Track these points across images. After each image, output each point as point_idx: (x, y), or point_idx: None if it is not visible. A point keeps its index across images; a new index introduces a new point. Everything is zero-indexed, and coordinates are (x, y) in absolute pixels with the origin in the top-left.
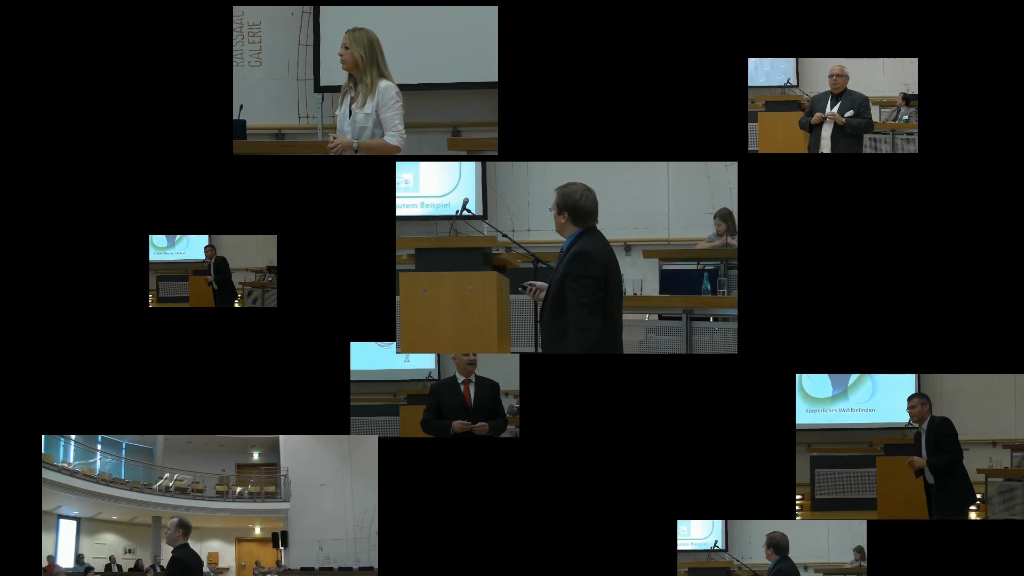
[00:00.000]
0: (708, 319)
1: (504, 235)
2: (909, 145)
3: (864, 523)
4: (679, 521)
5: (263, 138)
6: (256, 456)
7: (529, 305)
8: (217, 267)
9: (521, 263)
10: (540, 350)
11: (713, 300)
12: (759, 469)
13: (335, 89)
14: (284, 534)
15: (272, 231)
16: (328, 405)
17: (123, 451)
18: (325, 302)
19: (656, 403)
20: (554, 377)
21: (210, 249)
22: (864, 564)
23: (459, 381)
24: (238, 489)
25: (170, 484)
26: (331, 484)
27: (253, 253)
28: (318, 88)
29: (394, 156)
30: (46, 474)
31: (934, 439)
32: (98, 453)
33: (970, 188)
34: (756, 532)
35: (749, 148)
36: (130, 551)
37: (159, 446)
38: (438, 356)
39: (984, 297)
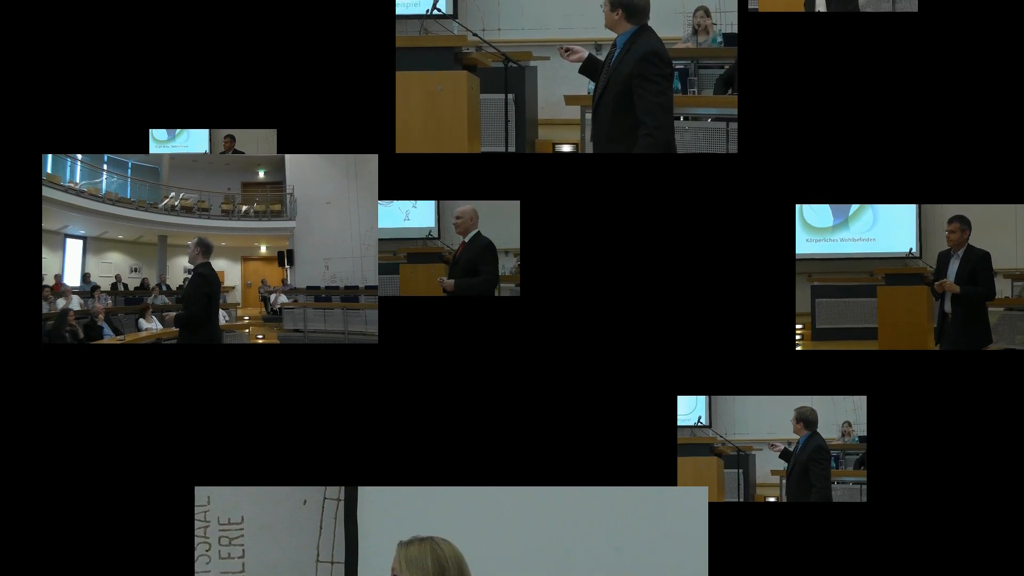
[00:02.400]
0: (679, 118)
1: (474, 34)
2: (909, 4)
3: (848, 399)
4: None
5: None
6: (262, 174)
7: (500, 105)
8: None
9: (491, 63)
10: (586, 146)
11: (685, 99)
12: (759, 299)
13: None
14: (290, 252)
15: (271, 100)
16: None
17: (129, 170)
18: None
19: (653, 217)
20: (554, 217)
21: (229, 140)
22: (850, 439)
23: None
24: (244, 208)
25: (176, 203)
26: (336, 202)
27: (253, 145)
28: None
29: None
30: (53, 194)
31: (970, 269)
32: (104, 172)
33: (970, 47)
34: (740, 408)
35: (749, 7)
36: (136, 270)
37: (165, 165)
38: (438, 216)
39: (985, 127)
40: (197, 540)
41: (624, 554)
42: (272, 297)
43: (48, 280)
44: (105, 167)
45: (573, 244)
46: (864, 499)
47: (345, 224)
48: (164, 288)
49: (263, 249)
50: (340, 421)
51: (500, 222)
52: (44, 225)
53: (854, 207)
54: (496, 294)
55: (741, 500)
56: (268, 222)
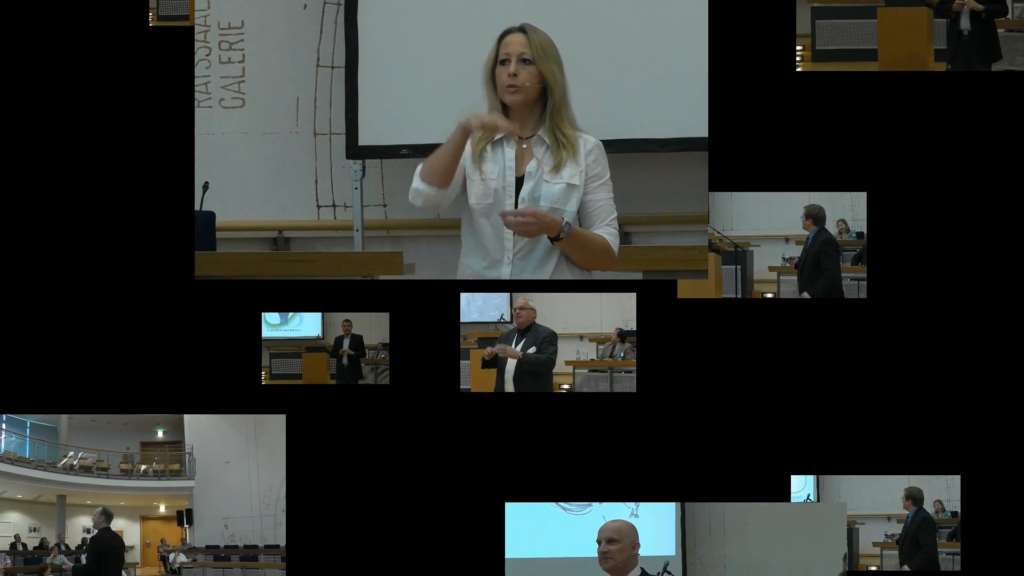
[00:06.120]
0: None
1: None
2: None
3: (846, 195)
4: None
5: None
6: (160, 434)
7: None
8: (355, 344)
9: None
10: None
11: None
12: (759, 20)
13: None
14: (189, 512)
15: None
16: None
17: (27, 430)
18: None
19: None
20: None
21: (347, 324)
22: (848, 236)
23: None
24: (142, 467)
25: (74, 463)
26: (236, 462)
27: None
28: None
29: None
30: None
31: None
32: (2, 432)
33: None
34: (739, 204)
35: None
36: (35, 529)
37: (63, 425)
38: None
39: None
40: (197, 45)
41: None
42: (171, 556)
43: None
44: (3, 426)
45: None
46: (864, 295)
47: (244, 483)
48: (63, 548)
49: (162, 508)
50: None
51: None
52: None
53: None
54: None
55: (739, 296)
56: (167, 481)
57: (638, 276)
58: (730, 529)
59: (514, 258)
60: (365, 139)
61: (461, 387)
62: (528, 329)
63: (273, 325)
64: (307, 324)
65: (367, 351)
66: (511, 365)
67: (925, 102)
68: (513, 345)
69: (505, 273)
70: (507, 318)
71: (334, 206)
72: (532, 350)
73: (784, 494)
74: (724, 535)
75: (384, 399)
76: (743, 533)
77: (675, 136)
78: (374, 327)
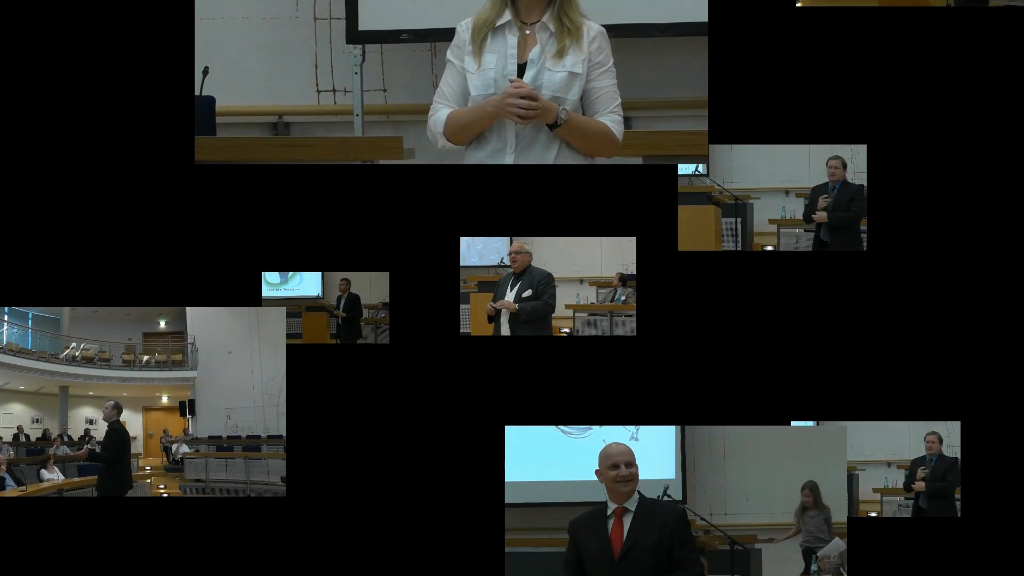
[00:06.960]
0: None
1: None
2: None
3: (845, 148)
4: None
5: None
6: (163, 324)
7: None
8: (351, 304)
9: None
10: None
11: None
12: None
13: None
14: (191, 403)
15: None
16: None
17: (29, 321)
18: None
19: None
20: None
21: (344, 283)
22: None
23: None
24: (145, 358)
25: (77, 353)
26: (238, 352)
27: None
28: None
29: None
30: None
31: None
32: (4, 324)
33: None
34: (737, 159)
35: None
36: (37, 420)
37: (65, 316)
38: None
39: None
40: None
41: None
42: (173, 447)
43: None
44: (6, 318)
45: None
46: (863, 248)
47: (247, 373)
48: (66, 439)
49: (164, 399)
50: None
51: None
52: None
53: None
54: None
55: (739, 249)
56: (169, 372)
57: (638, 161)
58: (730, 453)
59: (517, 146)
60: (365, 24)
61: (461, 331)
62: (524, 272)
63: (273, 284)
64: (307, 283)
65: (366, 310)
66: (506, 315)
67: (925, 39)
68: (509, 288)
69: (508, 160)
70: (507, 262)
71: (334, 91)
72: (528, 293)
73: None
74: (724, 459)
75: (383, 354)
76: (743, 457)
77: (675, 21)
78: (375, 283)
